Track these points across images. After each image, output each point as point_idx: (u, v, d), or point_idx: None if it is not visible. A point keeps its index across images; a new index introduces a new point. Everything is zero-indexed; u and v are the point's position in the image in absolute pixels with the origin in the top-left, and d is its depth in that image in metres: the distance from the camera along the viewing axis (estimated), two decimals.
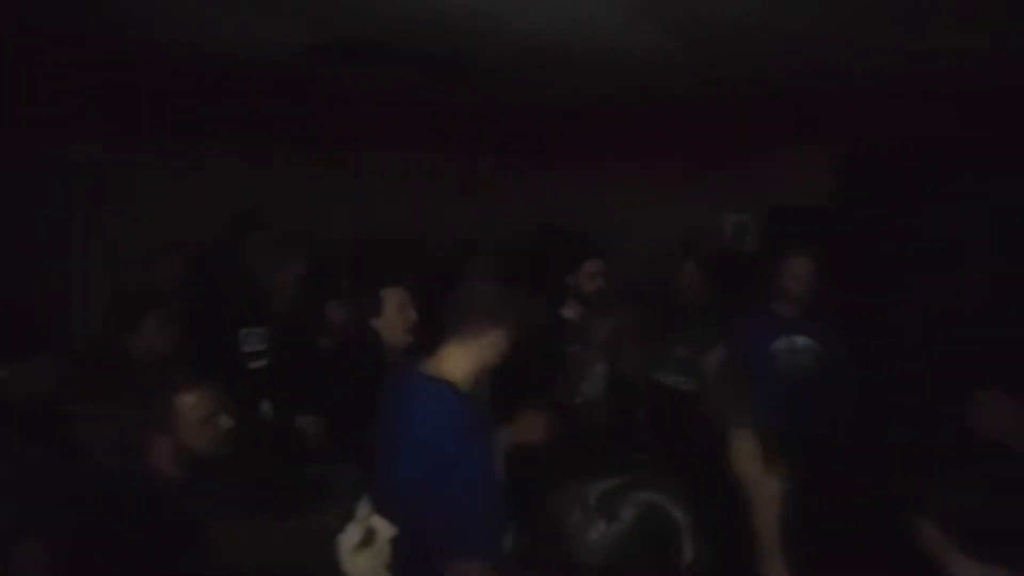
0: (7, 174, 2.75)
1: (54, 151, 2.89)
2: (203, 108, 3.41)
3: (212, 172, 3.46)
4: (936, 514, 1.14)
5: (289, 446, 2.21)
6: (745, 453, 1.30)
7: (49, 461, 1.59)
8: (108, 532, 1.28)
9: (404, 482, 1.35)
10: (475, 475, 1.35)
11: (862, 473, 1.65)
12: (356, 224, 4.03)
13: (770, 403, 2.76)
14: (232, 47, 3.00)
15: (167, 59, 3.16)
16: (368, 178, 4.18)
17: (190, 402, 1.50)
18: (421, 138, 4.50)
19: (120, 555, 1.24)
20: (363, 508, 1.03)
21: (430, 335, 1.68)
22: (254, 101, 3.66)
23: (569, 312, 3.00)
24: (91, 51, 2.95)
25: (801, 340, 2.76)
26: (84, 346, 2.33)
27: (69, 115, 2.93)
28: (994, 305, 3.23)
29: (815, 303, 2.73)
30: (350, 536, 1.02)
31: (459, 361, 1.47)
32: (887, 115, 3.71)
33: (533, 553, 1.13)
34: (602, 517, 1.05)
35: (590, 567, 1.03)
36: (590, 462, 1.28)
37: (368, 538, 1.02)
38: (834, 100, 3.77)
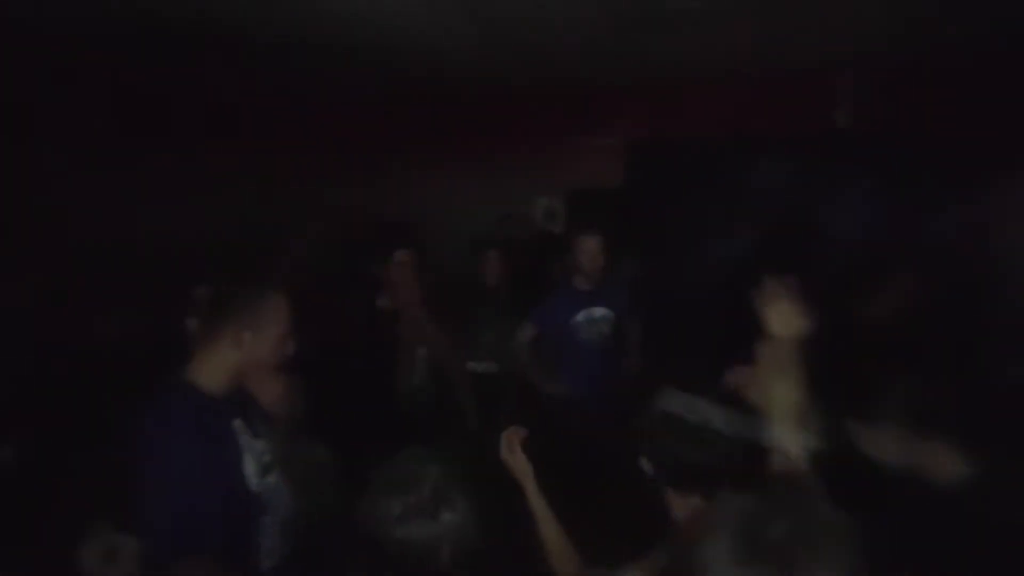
0: None
1: None
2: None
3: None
4: (648, 455, 1.32)
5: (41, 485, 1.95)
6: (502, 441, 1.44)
7: None
8: None
9: (142, 489, 1.26)
10: (211, 480, 1.30)
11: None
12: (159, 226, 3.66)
13: (576, 371, 3.03)
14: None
15: None
16: (176, 177, 3.82)
17: None
18: (229, 133, 4.20)
19: None
20: (102, 524, 0.97)
21: None
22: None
23: (384, 302, 3.00)
24: None
25: (599, 311, 3.03)
26: None
27: None
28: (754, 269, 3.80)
29: (609, 275, 3.00)
30: (92, 551, 0.96)
31: (208, 365, 1.42)
32: (671, 108, 4.16)
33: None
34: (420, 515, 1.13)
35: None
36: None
37: (111, 552, 0.96)
38: (625, 92, 4.15)
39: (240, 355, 1.42)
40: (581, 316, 3.02)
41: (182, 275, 2.25)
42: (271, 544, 1.48)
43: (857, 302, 2.66)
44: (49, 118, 3.29)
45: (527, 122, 4.47)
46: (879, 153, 3.66)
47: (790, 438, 1.25)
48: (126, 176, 3.58)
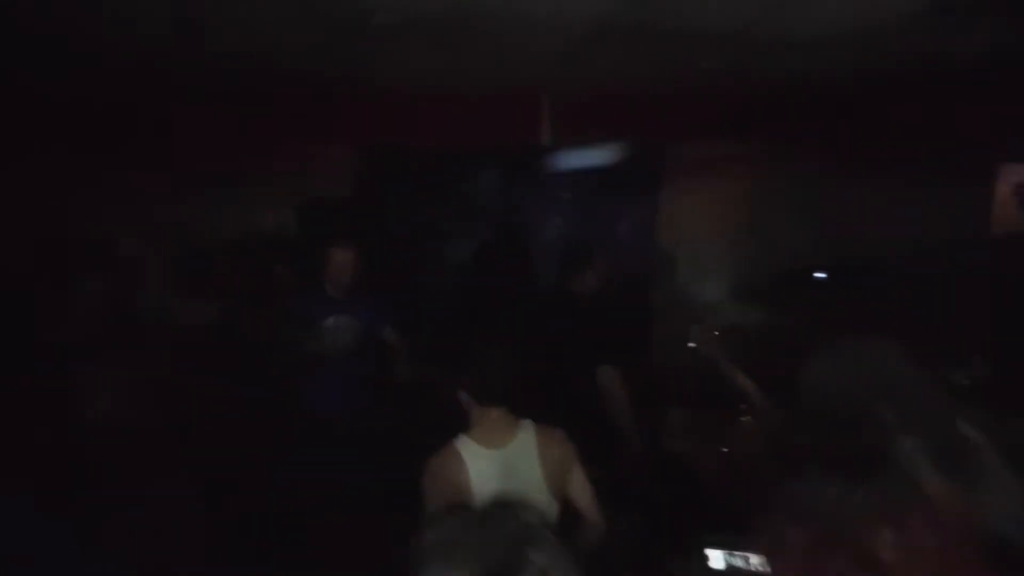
0: None
1: None
2: None
3: None
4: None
5: None
6: None
7: None
8: None
9: None
10: None
11: None
12: None
13: (326, 379, 2.99)
14: None
15: None
16: None
17: None
18: None
19: None
20: None
21: None
22: None
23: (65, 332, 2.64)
24: None
25: (345, 319, 3.04)
26: None
27: None
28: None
29: (357, 282, 3.04)
30: None
31: None
32: (397, 119, 4.28)
33: None
34: None
35: None
36: None
37: None
38: (354, 101, 4.15)
39: None
40: (329, 323, 3.04)
41: None
42: None
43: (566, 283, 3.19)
44: None
45: (260, 132, 4.19)
46: (574, 167, 4.36)
47: None
48: None
